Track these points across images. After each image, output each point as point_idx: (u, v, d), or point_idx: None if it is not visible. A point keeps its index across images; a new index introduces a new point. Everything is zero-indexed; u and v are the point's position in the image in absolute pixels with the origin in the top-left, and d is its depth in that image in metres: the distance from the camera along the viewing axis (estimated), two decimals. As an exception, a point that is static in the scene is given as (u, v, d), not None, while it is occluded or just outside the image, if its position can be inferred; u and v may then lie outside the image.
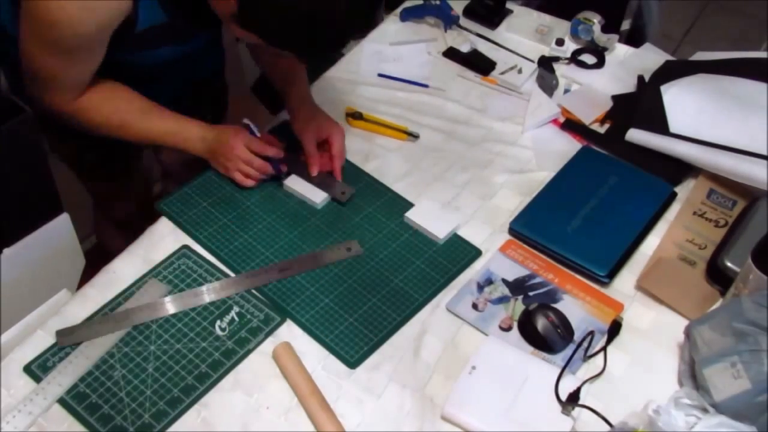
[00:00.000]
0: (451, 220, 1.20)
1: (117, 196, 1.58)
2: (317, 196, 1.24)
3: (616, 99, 1.44)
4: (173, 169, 1.69)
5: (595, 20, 1.54)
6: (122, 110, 1.18)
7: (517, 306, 1.11)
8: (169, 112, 1.22)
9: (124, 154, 1.48)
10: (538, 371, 1.01)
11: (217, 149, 1.22)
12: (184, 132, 1.22)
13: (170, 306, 1.08)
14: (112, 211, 1.63)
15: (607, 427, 0.95)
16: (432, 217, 1.21)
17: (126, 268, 1.14)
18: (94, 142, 1.24)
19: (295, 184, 1.25)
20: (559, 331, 1.06)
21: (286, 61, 1.33)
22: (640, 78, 1.46)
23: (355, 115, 1.39)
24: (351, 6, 0.95)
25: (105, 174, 1.50)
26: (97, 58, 1.10)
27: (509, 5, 1.66)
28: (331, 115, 1.35)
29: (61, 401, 0.98)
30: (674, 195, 1.27)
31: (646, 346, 1.07)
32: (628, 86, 1.47)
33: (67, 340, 1.03)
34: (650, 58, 1.52)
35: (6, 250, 1.10)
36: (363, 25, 0.99)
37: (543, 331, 1.05)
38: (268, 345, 1.05)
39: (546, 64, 1.51)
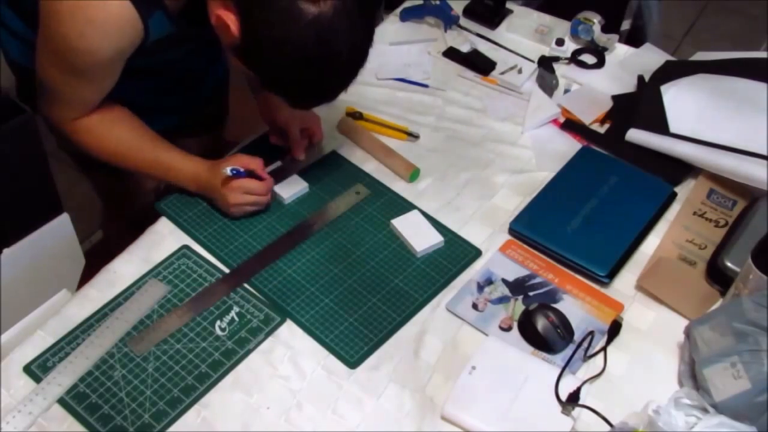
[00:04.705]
0: (433, 236, 1.19)
1: (128, 193, 1.55)
2: (285, 192, 1.24)
3: (616, 99, 1.44)
4: None
5: (595, 20, 1.54)
6: (119, 139, 1.17)
7: (517, 306, 1.11)
8: (167, 144, 1.20)
9: None
10: (538, 371, 1.01)
11: (213, 196, 1.20)
12: (177, 168, 1.20)
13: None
14: (123, 209, 1.61)
15: (608, 427, 0.95)
16: (416, 229, 1.20)
17: (126, 268, 1.14)
18: None
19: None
20: (559, 331, 1.06)
21: None
22: (640, 78, 1.46)
23: (355, 115, 1.39)
24: (353, 56, 0.96)
25: (116, 171, 1.49)
26: (109, 82, 1.11)
27: (509, 5, 1.66)
28: (331, 115, 1.36)
29: (61, 401, 0.98)
30: (674, 195, 1.27)
31: (646, 346, 1.07)
32: (628, 86, 1.47)
33: (142, 348, 1.03)
34: (650, 58, 1.52)
35: (6, 250, 1.10)
36: (361, 68, 1.00)
37: (543, 331, 1.05)
38: (268, 345, 1.05)
39: (546, 64, 1.51)
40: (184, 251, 1.16)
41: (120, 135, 1.17)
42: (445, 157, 1.34)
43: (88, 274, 1.17)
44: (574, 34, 1.57)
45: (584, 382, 1.00)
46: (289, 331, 1.07)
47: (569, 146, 1.36)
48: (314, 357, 1.05)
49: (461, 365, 1.02)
